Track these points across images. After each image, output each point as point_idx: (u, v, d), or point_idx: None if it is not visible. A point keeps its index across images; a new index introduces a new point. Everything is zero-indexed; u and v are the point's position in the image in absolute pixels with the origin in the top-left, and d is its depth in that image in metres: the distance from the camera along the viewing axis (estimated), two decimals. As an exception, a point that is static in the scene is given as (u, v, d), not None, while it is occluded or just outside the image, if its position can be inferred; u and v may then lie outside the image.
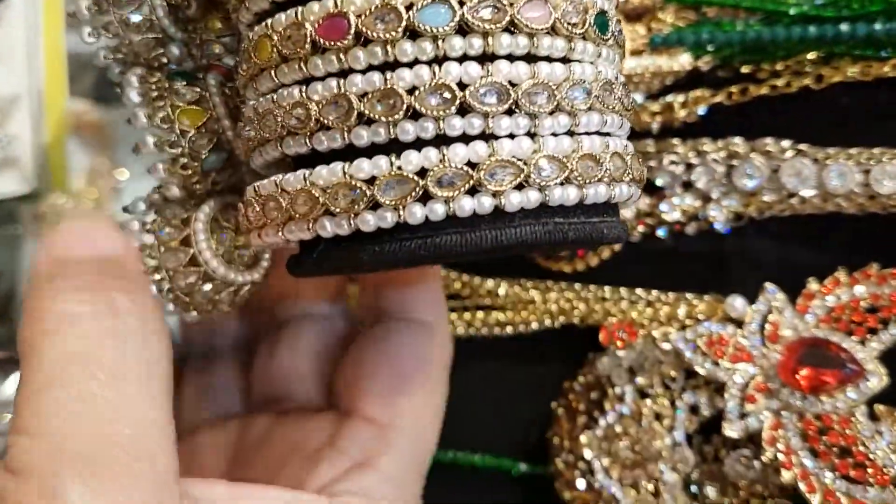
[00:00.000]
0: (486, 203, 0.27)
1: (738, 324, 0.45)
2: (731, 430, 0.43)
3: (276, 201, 0.29)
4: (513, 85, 0.27)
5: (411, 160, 0.27)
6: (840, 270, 0.44)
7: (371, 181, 0.27)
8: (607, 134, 0.30)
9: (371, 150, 0.28)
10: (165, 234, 0.33)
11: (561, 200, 0.28)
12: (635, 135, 0.49)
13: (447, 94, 0.27)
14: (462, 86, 0.27)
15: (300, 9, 0.28)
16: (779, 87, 0.46)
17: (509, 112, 0.28)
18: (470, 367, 0.53)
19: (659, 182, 0.48)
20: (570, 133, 0.28)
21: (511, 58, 0.28)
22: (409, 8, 0.27)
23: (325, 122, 0.28)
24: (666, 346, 0.45)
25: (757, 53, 0.46)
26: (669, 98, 0.49)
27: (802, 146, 0.45)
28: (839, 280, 0.44)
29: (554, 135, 0.28)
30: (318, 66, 0.28)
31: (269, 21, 0.28)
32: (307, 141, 0.28)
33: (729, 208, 0.46)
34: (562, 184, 0.27)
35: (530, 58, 0.28)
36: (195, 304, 0.35)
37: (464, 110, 0.27)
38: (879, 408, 0.42)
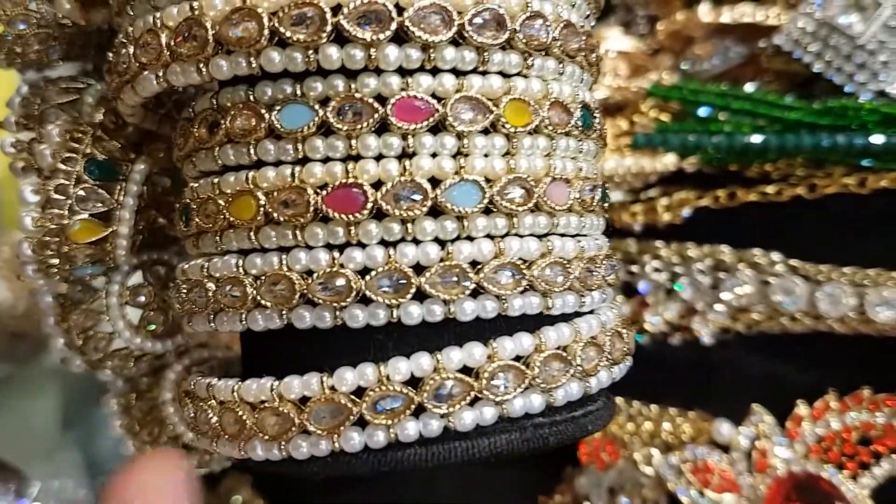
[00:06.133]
0: (433, 426, 0.24)
1: (725, 448, 0.42)
2: (715, 568, 0.40)
3: (205, 413, 0.26)
4: (475, 265, 0.25)
5: (345, 378, 0.24)
6: (830, 393, 0.42)
7: (303, 402, 0.24)
8: (588, 312, 0.27)
9: (312, 336, 0.25)
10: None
11: (524, 410, 0.25)
12: (617, 233, 0.46)
13: (403, 278, 0.24)
14: (419, 269, 0.24)
15: (297, 169, 0.24)
16: (769, 194, 0.43)
17: (474, 295, 0.25)
18: (441, 474, 0.50)
19: (641, 288, 0.45)
20: (536, 322, 0.26)
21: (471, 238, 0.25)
22: (435, 185, 0.24)
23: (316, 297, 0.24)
24: (648, 469, 0.42)
25: (745, 158, 0.43)
26: (652, 193, 0.46)
27: (794, 262, 0.42)
28: (829, 404, 0.41)
29: (518, 324, 0.25)
30: (318, 236, 0.24)
31: (251, 175, 0.25)
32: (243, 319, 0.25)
33: (715, 323, 0.43)
34: (523, 392, 0.25)
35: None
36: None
37: (422, 296, 0.24)
38: (870, 542, 0.40)
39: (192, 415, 0.27)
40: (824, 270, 0.42)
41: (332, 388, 0.24)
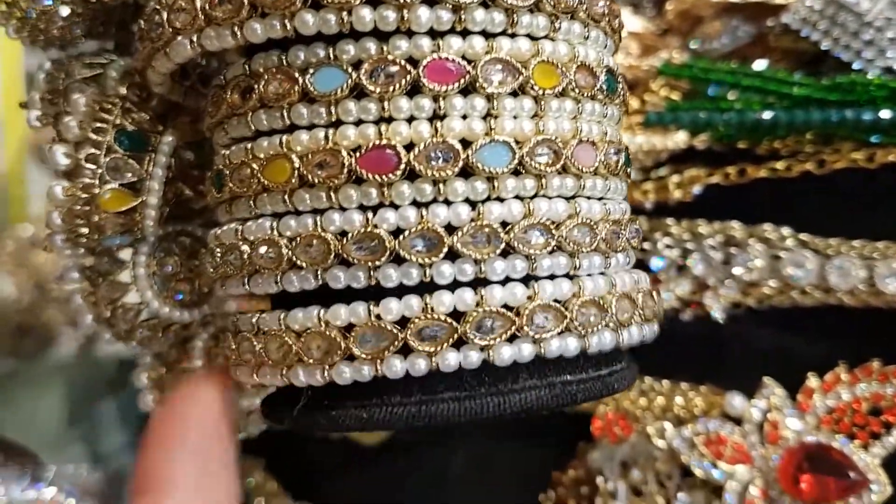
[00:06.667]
0: (473, 357, 0.25)
1: (737, 421, 0.42)
2: (730, 538, 0.41)
3: (249, 342, 0.27)
4: (505, 225, 0.25)
5: (391, 308, 0.25)
6: (840, 365, 0.42)
7: (348, 329, 0.25)
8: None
9: (349, 296, 0.25)
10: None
11: (559, 352, 0.25)
12: (628, 212, 0.47)
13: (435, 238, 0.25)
14: (450, 229, 0.25)
15: (331, 131, 0.25)
16: (778, 170, 0.43)
17: (504, 254, 0.25)
18: (454, 451, 0.50)
19: (653, 266, 0.45)
20: (570, 276, 0.26)
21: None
22: (466, 146, 0.25)
23: (303, 262, 0.25)
24: (661, 442, 0.43)
25: (755, 134, 0.44)
26: (663, 172, 0.47)
27: (804, 236, 0.43)
28: (840, 377, 0.42)
29: (552, 278, 0.26)
30: (351, 198, 0.25)
31: (285, 139, 0.25)
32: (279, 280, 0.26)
33: (727, 297, 0.44)
34: (560, 334, 0.25)
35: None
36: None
37: (454, 255, 0.25)
38: (882, 512, 0.40)
39: (234, 347, 0.27)
40: (834, 244, 0.42)
41: (378, 317, 0.24)
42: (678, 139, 0.45)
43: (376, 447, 0.52)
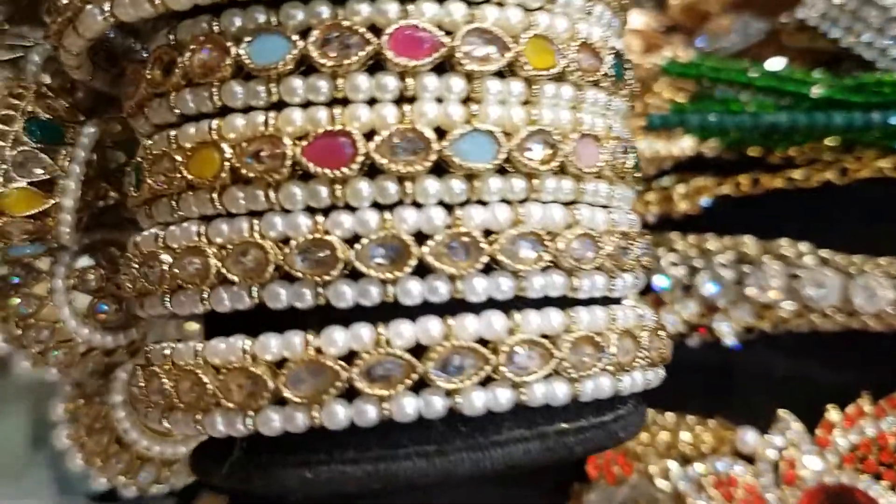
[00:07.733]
0: (437, 405, 0.20)
1: (749, 459, 0.38)
2: None
3: (158, 378, 0.21)
4: (488, 234, 0.20)
5: (335, 339, 0.20)
6: (864, 396, 0.38)
7: (279, 365, 0.20)
8: (615, 300, 0.23)
9: (289, 320, 0.20)
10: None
11: (545, 400, 0.21)
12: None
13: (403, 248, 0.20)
14: (420, 238, 0.20)
15: (271, 115, 0.20)
16: (796, 180, 0.39)
17: (486, 270, 0.21)
18: (442, 491, 0.46)
19: (656, 285, 0.41)
20: (565, 301, 0.21)
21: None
22: (441, 136, 0.20)
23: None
24: (665, 484, 0.38)
25: (770, 139, 0.40)
26: (667, 182, 0.42)
27: (824, 252, 0.38)
28: (863, 409, 0.38)
29: (543, 302, 0.21)
30: (296, 197, 0.20)
31: (215, 124, 0.20)
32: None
33: (739, 321, 0.39)
34: (547, 377, 0.21)
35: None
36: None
37: (424, 270, 0.20)
38: (912, 561, 0.36)
39: (143, 384, 0.22)
40: (858, 262, 0.38)
41: (318, 350, 0.19)
42: (684, 145, 0.41)
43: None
